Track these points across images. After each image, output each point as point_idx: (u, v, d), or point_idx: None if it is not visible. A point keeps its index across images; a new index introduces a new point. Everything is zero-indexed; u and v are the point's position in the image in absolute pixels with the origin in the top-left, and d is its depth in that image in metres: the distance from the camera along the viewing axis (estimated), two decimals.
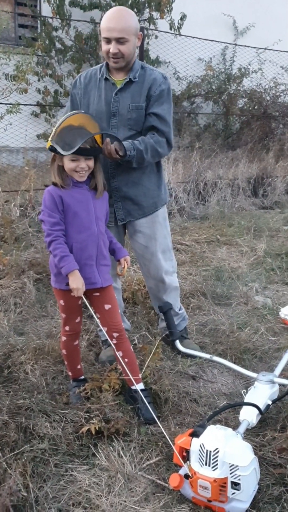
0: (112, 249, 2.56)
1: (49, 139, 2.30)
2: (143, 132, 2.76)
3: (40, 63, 8.86)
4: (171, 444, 2.06)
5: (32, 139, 8.92)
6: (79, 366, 2.70)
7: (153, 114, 2.71)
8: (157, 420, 2.22)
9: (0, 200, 5.35)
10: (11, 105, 6.27)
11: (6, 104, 6.30)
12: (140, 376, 2.58)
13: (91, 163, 2.34)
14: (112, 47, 2.59)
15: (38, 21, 9.26)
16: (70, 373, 2.71)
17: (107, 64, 2.73)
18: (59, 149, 2.25)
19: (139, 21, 9.06)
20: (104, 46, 2.63)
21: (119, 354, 2.47)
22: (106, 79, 2.73)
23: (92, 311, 2.44)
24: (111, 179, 2.78)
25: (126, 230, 3.01)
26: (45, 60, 8.94)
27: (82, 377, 2.72)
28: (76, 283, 2.27)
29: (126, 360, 2.48)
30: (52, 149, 2.29)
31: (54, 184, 2.35)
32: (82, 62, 9.12)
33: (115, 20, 2.57)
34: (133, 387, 2.52)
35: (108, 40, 2.59)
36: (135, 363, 2.57)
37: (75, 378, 2.71)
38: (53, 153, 2.33)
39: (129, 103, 2.70)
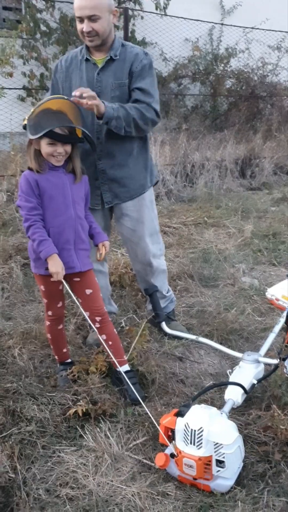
0: (91, 234, 2.54)
1: (26, 117, 2.28)
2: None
3: (25, 46, 8.73)
4: (157, 425, 2.09)
5: (18, 123, 8.76)
6: (65, 350, 2.72)
7: (136, 89, 2.68)
8: (141, 401, 2.24)
9: None
10: None
11: None
12: (126, 358, 2.59)
13: (68, 148, 2.32)
14: (85, 26, 2.56)
15: (22, 3, 9.10)
16: (56, 357, 2.73)
17: (87, 46, 2.70)
18: (28, 132, 2.24)
19: (124, 1, 8.99)
20: (78, 26, 2.60)
21: (102, 337, 2.49)
22: (86, 59, 2.70)
23: (73, 296, 2.43)
24: (97, 161, 2.76)
25: (113, 214, 3.00)
26: (30, 43, 8.80)
27: (69, 360, 2.74)
28: (55, 267, 2.26)
29: (110, 343, 2.50)
30: (25, 127, 2.28)
31: (30, 168, 2.33)
32: (68, 44, 8.99)
33: None
34: (118, 369, 2.54)
35: (81, 19, 2.57)
36: (119, 345, 2.59)
37: (61, 361, 2.72)
38: (29, 138, 2.30)
39: (111, 81, 2.67)
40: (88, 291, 2.49)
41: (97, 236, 2.54)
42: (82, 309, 2.47)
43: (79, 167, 2.43)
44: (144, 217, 2.95)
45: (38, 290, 3.75)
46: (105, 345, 2.46)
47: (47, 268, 2.28)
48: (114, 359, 2.42)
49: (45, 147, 2.28)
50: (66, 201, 2.37)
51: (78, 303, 2.48)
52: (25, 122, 2.28)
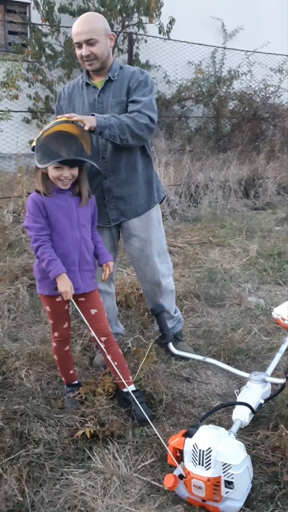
0: (96, 254, 2.55)
1: (35, 138, 2.33)
2: None
3: (31, 69, 8.91)
4: (165, 446, 2.08)
5: (24, 145, 8.92)
6: (71, 371, 2.72)
7: (131, 101, 2.73)
8: (149, 420, 2.24)
9: None
10: (2, 112, 6.29)
11: None
12: (131, 378, 2.59)
13: (75, 171, 2.35)
14: (84, 50, 2.64)
15: (28, 28, 9.30)
16: (63, 378, 2.73)
17: (87, 71, 2.79)
18: (35, 160, 2.29)
19: (128, 26, 9.17)
20: (77, 52, 2.69)
21: (108, 357, 2.49)
22: (87, 84, 2.78)
23: (82, 315, 2.44)
24: (103, 180, 2.81)
25: (120, 234, 3.03)
26: (35, 66, 8.98)
27: (76, 381, 2.74)
28: (64, 286, 2.27)
29: (115, 363, 2.50)
30: (33, 149, 2.33)
31: (37, 191, 2.37)
32: (72, 67, 9.17)
33: (82, 23, 2.63)
34: (124, 390, 2.53)
35: (79, 45, 2.66)
36: (124, 365, 2.59)
37: (68, 383, 2.72)
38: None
39: (111, 100, 2.74)
40: (93, 311, 2.50)
41: (102, 257, 2.55)
42: (90, 328, 2.48)
43: (86, 190, 2.45)
44: (152, 237, 2.97)
45: (44, 311, 3.76)
46: (112, 365, 2.46)
47: (56, 288, 2.30)
48: (122, 379, 2.42)
49: (52, 171, 2.31)
50: (72, 223, 2.40)
51: (86, 322, 2.48)
52: (34, 144, 2.32)
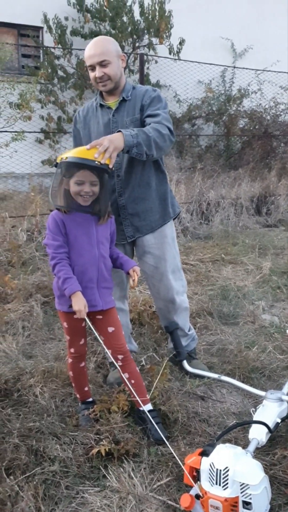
0: (120, 263, 2.57)
1: (61, 156, 2.36)
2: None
3: (43, 90, 9.06)
4: (181, 465, 2.07)
5: (37, 165, 9.06)
6: (86, 388, 2.72)
7: (148, 115, 2.78)
8: (165, 441, 2.23)
9: (7, 225, 5.43)
10: (16, 133, 6.40)
11: (11, 132, 6.42)
12: (148, 397, 2.59)
13: (96, 188, 2.37)
14: (97, 72, 2.72)
15: (41, 51, 9.48)
16: (78, 395, 2.73)
17: (100, 93, 2.85)
18: (59, 175, 2.36)
19: (139, 47, 9.31)
20: (91, 74, 2.77)
21: (125, 376, 2.49)
22: (101, 105, 2.84)
23: (96, 334, 2.46)
24: (119, 198, 2.85)
25: (134, 252, 3.06)
26: (48, 87, 9.13)
27: (90, 399, 2.73)
28: (79, 304, 2.29)
29: (132, 381, 2.50)
30: (56, 165, 2.37)
31: (58, 208, 2.41)
32: (84, 88, 9.31)
33: (94, 46, 2.70)
34: (141, 409, 2.53)
35: (93, 67, 2.73)
36: (141, 384, 2.58)
37: (83, 400, 2.72)
38: (60, 178, 2.37)
39: (125, 119, 2.79)
40: (110, 329, 2.51)
41: (126, 264, 2.56)
42: (104, 346, 2.48)
43: (106, 208, 2.46)
44: (166, 254, 2.99)
45: (58, 328, 3.79)
46: (129, 384, 2.46)
47: (70, 306, 2.31)
48: (137, 398, 2.42)
49: (74, 186, 2.34)
50: (91, 241, 2.42)
51: (100, 341, 2.50)
52: (59, 160, 2.35)
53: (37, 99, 8.30)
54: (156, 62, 9.68)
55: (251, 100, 10.35)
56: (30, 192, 6.44)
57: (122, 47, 9.36)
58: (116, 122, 2.79)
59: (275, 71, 10.33)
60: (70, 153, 2.33)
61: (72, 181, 2.34)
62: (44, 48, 9.34)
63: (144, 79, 7.60)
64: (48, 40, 9.40)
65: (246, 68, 9.78)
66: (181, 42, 9.46)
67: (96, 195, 2.40)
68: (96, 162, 2.27)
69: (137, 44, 9.53)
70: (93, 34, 9.27)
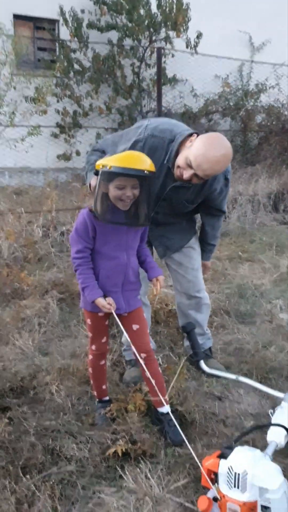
0: (146, 268, 2.52)
1: (107, 164, 2.18)
2: (203, 209, 2.97)
3: (59, 84, 9.03)
4: (200, 466, 2.04)
5: (52, 160, 9.05)
6: (104, 387, 2.71)
7: (215, 208, 2.93)
8: (187, 443, 2.19)
9: (23, 221, 5.43)
10: (32, 127, 6.39)
11: (27, 126, 6.42)
12: (167, 397, 2.57)
13: (137, 191, 2.23)
14: (188, 174, 2.47)
15: (57, 44, 9.45)
16: (95, 393, 2.72)
17: (177, 151, 2.57)
18: (103, 177, 2.21)
19: (155, 40, 9.24)
20: (182, 163, 2.48)
21: (146, 375, 2.47)
22: (169, 167, 2.63)
23: (123, 329, 2.43)
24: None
25: None
26: (64, 81, 9.10)
27: (107, 398, 2.72)
28: (102, 304, 2.28)
29: (153, 380, 2.46)
30: (96, 173, 2.23)
31: (91, 210, 2.29)
32: (100, 82, 9.27)
33: (212, 165, 2.41)
34: (160, 410, 2.51)
35: (190, 165, 2.45)
36: (162, 384, 2.55)
37: (100, 398, 2.71)
38: (99, 181, 2.23)
39: (183, 199, 2.75)
40: (135, 327, 2.49)
41: (151, 271, 2.51)
42: (130, 342, 2.45)
43: (145, 214, 2.32)
44: (191, 253, 3.04)
45: (74, 325, 3.79)
46: (151, 382, 2.42)
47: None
48: (161, 397, 2.40)
49: (114, 191, 2.21)
50: (121, 246, 2.37)
51: (126, 336, 2.45)
52: (100, 167, 2.21)
53: (53, 93, 8.27)
54: (173, 56, 9.58)
55: (269, 95, 10.22)
56: (45, 187, 6.44)
57: (139, 41, 9.31)
58: (172, 195, 2.71)
59: None
60: (114, 162, 2.17)
61: (112, 185, 2.21)
62: (60, 42, 9.30)
63: (161, 73, 7.55)
64: (64, 33, 9.35)
65: (264, 62, 9.66)
66: (199, 36, 9.36)
67: (136, 197, 2.26)
68: (146, 172, 2.17)
69: (154, 38, 9.46)
70: (109, 27, 9.21)
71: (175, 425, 2.35)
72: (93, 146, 2.83)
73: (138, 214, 2.32)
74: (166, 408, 2.49)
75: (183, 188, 2.68)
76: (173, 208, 2.81)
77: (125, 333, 2.44)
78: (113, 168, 2.15)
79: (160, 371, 2.57)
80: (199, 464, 2.05)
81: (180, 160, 2.50)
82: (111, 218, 2.28)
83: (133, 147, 2.58)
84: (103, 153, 2.67)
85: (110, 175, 2.19)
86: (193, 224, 3.10)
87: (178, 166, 2.52)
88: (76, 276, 2.34)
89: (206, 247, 3.14)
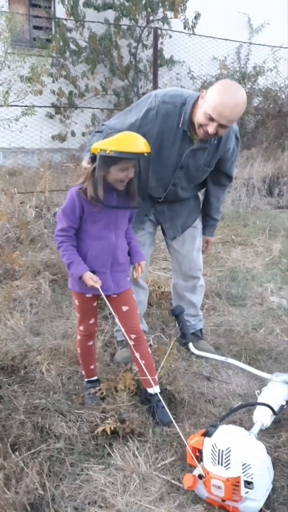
0: (129, 252, 2.53)
1: (105, 148, 2.15)
2: (211, 180, 2.97)
3: (55, 64, 8.92)
4: (188, 446, 2.07)
5: (47, 140, 8.98)
6: (92, 367, 2.73)
7: (224, 174, 2.93)
8: (174, 423, 2.22)
9: (16, 201, 5.40)
10: (27, 107, 6.32)
11: (21, 106, 6.35)
12: (156, 378, 2.58)
13: (133, 171, 2.27)
14: (212, 128, 2.45)
15: (53, 23, 9.31)
16: (83, 372, 2.74)
17: (190, 113, 2.57)
18: (102, 160, 2.19)
19: (153, 21, 9.12)
20: (203, 119, 2.46)
21: (136, 355, 2.49)
22: (184, 131, 2.63)
23: (112, 311, 2.43)
24: (157, 205, 2.93)
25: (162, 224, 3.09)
26: (59, 61, 8.99)
27: (96, 377, 2.75)
28: (89, 282, 2.27)
29: (143, 361, 2.49)
30: (94, 157, 2.21)
31: (82, 190, 2.27)
32: (96, 63, 9.17)
33: (233, 110, 2.40)
34: (149, 390, 2.54)
35: (212, 119, 2.43)
36: (152, 365, 2.57)
37: (88, 378, 2.74)
38: (96, 164, 2.21)
39: (200, 163, 2.74)
40: (124, 308, 2.49)
41: (134, 256, 2.53)
42: (119, 324, 2.47)
43: (134, 189, 2.36)
44: (194, 232, 3.08)
45: (66, 306, 3.80)
46: (140, 363, 2.45)
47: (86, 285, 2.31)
48: (149, 377, 2.43)
49: (117, 174, 2.23)
50: (109, 227, 2.36)
51: (116, 318, 2.47)
52: (98, 151, 2.18)
53: (48, 73, 8.17)
54: (170, 36, 9.46)
55: (266, 78, 10.15)
56: (39, 168, 6.40)
57: (136, 21, 9.19)
58: (190, 158, 2.70)
59: None
60: (112, 145, 2.14)
61: (116, 168, 2.21)
62: (56, 20, 9.16)
63: (157, 54, 7.46)
64: (60, 11, 9.20)
65: (262, 45, 9.57)
66: (197, 17, 9.24)
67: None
68: (146, 154, 2.17)
69: (151, 18, 9.33)
70: (106, 6, 9.07)
71: (163, 406, 2.39)
72: (98, 128, 2.80)
73: (133, 195, 2.37)
74: (155, 389, 2.51)
75: (200, 151, 2.68)
76: (190, 177, 2.79)
77: (114, 314, 2.45)
78: (114, 153, 2.13)
79: (150, 353, 2.59)
80: (185, 442, 2.09)
81: (200, 118, 2.49)
82: (109, 202, 2.30)
83: (145, 116, 2.60)
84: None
85: (112, 159, 2.18)
86: (198, 202, 3.11)
87: (200, 125, 2.51)
88: (60, 253, 2.33)
89: (209, 222, 3.14)
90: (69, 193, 2.33)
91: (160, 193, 2.84)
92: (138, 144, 2.18)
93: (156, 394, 2.47)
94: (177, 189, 2.82)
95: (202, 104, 2.48)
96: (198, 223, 3.10)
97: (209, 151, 2.71)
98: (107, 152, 2.14)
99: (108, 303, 2.41)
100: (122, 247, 2.46)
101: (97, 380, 2.73)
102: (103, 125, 2.78)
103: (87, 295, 2.44)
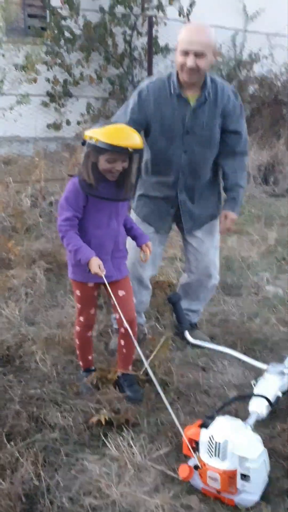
0: (134, 235, 2.54)
1: (96, 136, 2.18)
2: (222, 149, 2.85)
3: (49, 52, 8.83)
4: (183, 435, 2.07)
5: (42, 129, 8.91)
6: (90, 357, 2.73)
7: (233, 132, 2.80)
8: (169, 409, 2.21)
9: (11, 190, 5.37)
10: (21, 96, 6.27)
11: (16, 95, 6.29)
12: (130, 369, 2.65)
13: (126, 164, 2.28)
14: (190, 61, 2.54)
15: (47, 11, 9.20)
16: (81, 363, 2.74)
17: (177, 78, 2.67)
18: (92, 147, 2.20)
19: (148, 8, 9.02)
20: (180, 58, 2.58)
21: (121, 342, 2.56)
22: (178, 95, 2.68)
23: (111, 294, 2.40)
24: (179, 193, 2.86)
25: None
26: (54, 49, 8.89)
27: (93, 367, 2.74)
28: (94, 268, 2.24)
29: (124, 350, 2.54)
30: (83, 142, 2.23)
31: (84, 179, 2.27)
32: (91, 50, 9.07)
33: (197, 33, 2.55)
34: (118, 374, 2.61)
35: (187, 53, 2.54)
36: (131, 357, 2.63)
37: (85, 368, 2.73)
38: (88, 150, 2.24)
39: (203, 121, 2.71)
40: (121, 293, 2.49)
41: (140, 238, 2.55)
42: (118, 306, 2.43)
43: (131, 182, 2.36)
44: (213, 230, 3.05)
45: (61, 295, 3.78)
46: (122, 350, 2.57)
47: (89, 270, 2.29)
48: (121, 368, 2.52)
49: (104, 164, 2.23)
50: (111, 214, 2.38)
51: (114, 301, 2.43)
52: (88, 138, 2.21)
53: (42, 61, 8.09)
54: (166, 24, 9.37)
55: (262, 65, 10.08)
56: (34, 157, 6.35)
57: (131, 8, 9.08)
58: (192, 120, 2.69)
59: (287, 36, 10.01)
60: (101, 135, 2.16)
61: (103, 158, 2.22)
62: (51, 8, 9.04)
63: (152, 42, 7.38)
64: None
65: (258, 32, 9.48)
66: (192, 4, 9.15)
67: (125, 168, 2.29)
68: (130, 150, 2.17)
69: (146, 5, 9.22)
70: None
71: (131, 384, 2.51)
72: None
73: (126, 187, 2.36)
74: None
75: (200, 110, 2.69)
76: (198, 140, 2.74)
77: (113, 297, 2.42)
78: (99, 143, 2.16)
79: (135, 345, 2.59)
80: (182, 431, 2.08)
81: (178, 60, 2.60)
82: (99, 193, 2.30)
83: (139, 97, 2.71)
84: None
85: (98, 149, 2.19)
86: (217, 188, 3.02)
87: (182, 68, 2.59)
88: (64, 243, 2.32)
89: (229, 195, 2.95)
90: (71, 183, 2.33)
91: (176, 169, 2.79)
92: (127, 138, 2.18)
93: (124, 375, 2.53)
94: (191, 157, 2.76)
95: (176, 53, 2.62)
96: (217, 219, 3.05)
97: (209, 106, 2.70)
98: (94, 140, 2.17)
99: (109, 289, 2.38)
100: (123, 233, 2.49)
101: (94, 370, 2.73)
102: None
103: (89, 284, 2.44)
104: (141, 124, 2.71)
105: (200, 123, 2.71)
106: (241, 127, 2.83)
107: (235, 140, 2.83)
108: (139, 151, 2.25)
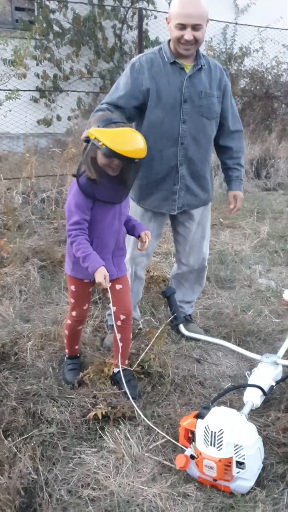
0: (132, 225, 2.54)
1: (100, 139, 2.13)
2: (221, 128, 2.89)
3: (38, 46, 8.77)
4: (178, 425, 2.10)
5: (32, 125, 8.87)
6: (76, 347, 2.80)
7: (230, 108, 2.86)
8: (132, 400, 2.28)
9: (2, 187, 5.35)
10: (10, 91, 6.23)
11: (5, 90, 6.25)
12: (126, 363, 2.66)
13: None
14: (188, 34, 2.53)
15: (35, 4, 9.13)
16: (66, 351, 2.79)
17: (169, 49, 2.68)
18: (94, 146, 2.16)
19: (137, 1, 8.97)
20: (177, 32, 2.56)
21: (117, 336, 2.55)
22: (173, 63, 2.67)
23: (109, 290, 2.39)
24: (179, 166, 2.80)
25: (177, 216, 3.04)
26: (43, 43, 8.84)
27: (78, 355, 2.82)
28: (99, 277, 2.23)
29: (121, 344, 2.54)
30: (87, 140, 2.19)
31: (88, 178, 2.26)
32: (81, 45, 9.02)
33: (191, 5, 2.52)
34: (115, 370, 2.62)
35: (183, 27, 2.53)
36: (127, 351, 2.65)
37: (70, 356, 2.79)
38: (85, 144, 2.21)
39: (200, 89, 2.70)
40: (118, 286, 2.52)
41: (138, 227, 2.54)
42: (111, 302, 2.47)
43: (131, 181, 2.35)
44: (205, 221, 3.07)
45: (55, 292, 3.79)
46: (118, 344, 2.54)
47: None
48: (119, 361, 2.48)
49: (102, 158, 2.19)
50: (115, 214, 2.40)
51: (110, 295, 2.45)
52: (96, 141, 2.14)
53: (32, 56, 8.03)
54: (156, 17, 9.34)
55: (253, 59, 10.07)
56: (25, 153, 6.32)
57: (120, 1, 9.05)
58: (189, 88, 2.68)
59: (278, 28, 10.01)
60: (110, 142, 2.10)
61: (104, 160, 2.18)
62: (39, 1, 8.98)
63: (143, 35, 7.36)
64: None
65: (248, 25, 9.47)
66: None
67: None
68: (136, 161, 2.16)
69: None
70: None
71: (128, 380, 2.47)
72: (99, 106, 2.78)
73: (128, 189, 2.37)
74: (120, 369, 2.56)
75: (196, 78, 2.69)
76: (196, 108, 2.71)
77: (109, 290, 2.42)
78: (105, 149, 2.11)
79: (130, 339, 2.64)
80: (176, 422, 2.10)
81: (174, 34, 2.58)
82: (103, 197, 2.30)
83: (132, 70, 2.70)
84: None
85: (103, 153, 2.15)
86: (210, 169, 2.98)
87: (178, 41, 2.58)
88: (73, 248, 2.30)
89: (233, 174, 3.02)
90: (76, 185, 2.29)
91: (175, 140, 2.74)
92: (134, 147, 2.14)
93: (119, 371, 2.51)
94: (191, 127, 2.73)
95: (170, 26, 2.61)
96: (209, 209, 3.08)
97: (205, 75, 2.72)
98: (100, 144, 2.12)
99: (109, 290, 2.39)
100: (123, 232, 2.51)
101: (78, 357, 2.80)
102: (102, 104, 2.77)
103: (85, 280, 2.46)
104: (136, 97, 2.68)
105: (197, 91, 2.69)
106: (234, 103, 2.90)
107: (233, 118, 2.90)
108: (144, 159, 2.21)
